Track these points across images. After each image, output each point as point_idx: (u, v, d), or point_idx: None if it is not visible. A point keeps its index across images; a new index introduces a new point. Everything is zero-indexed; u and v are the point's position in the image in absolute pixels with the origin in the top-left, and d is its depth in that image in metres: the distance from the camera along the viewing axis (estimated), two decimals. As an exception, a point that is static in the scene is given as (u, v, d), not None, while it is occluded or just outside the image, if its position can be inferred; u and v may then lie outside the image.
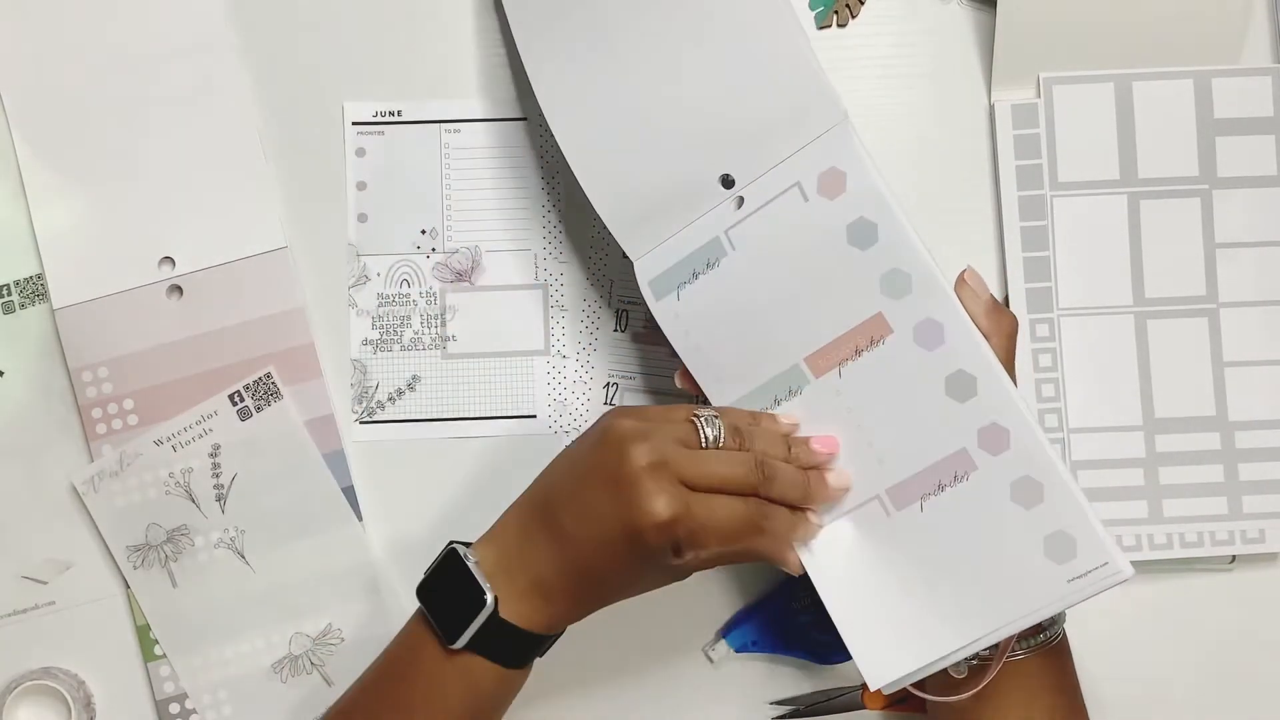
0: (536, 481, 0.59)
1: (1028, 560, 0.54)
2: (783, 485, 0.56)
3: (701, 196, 0.59)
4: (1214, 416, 0.69)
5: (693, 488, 0.54)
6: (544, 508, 0.57)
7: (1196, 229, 0.69)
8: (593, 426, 0.57)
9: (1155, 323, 0.69)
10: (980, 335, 0.55)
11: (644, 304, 0.71)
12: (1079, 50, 0.69)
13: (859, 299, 0.57)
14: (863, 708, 0.70)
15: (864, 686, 0.69)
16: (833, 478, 0.58)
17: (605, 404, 0.71)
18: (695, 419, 0.56)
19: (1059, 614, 0.59)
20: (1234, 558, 0.70)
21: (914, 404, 0.56)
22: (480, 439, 0.71)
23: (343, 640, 0.70)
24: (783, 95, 0.57)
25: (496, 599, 0.55)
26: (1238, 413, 0.69)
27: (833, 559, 0.59)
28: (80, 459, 0.70)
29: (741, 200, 0.58)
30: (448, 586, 0.56)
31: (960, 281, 0.57)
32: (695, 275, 0.60)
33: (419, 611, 0.58)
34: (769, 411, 0.59)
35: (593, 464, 0.55)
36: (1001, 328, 0.57)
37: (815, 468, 0.57)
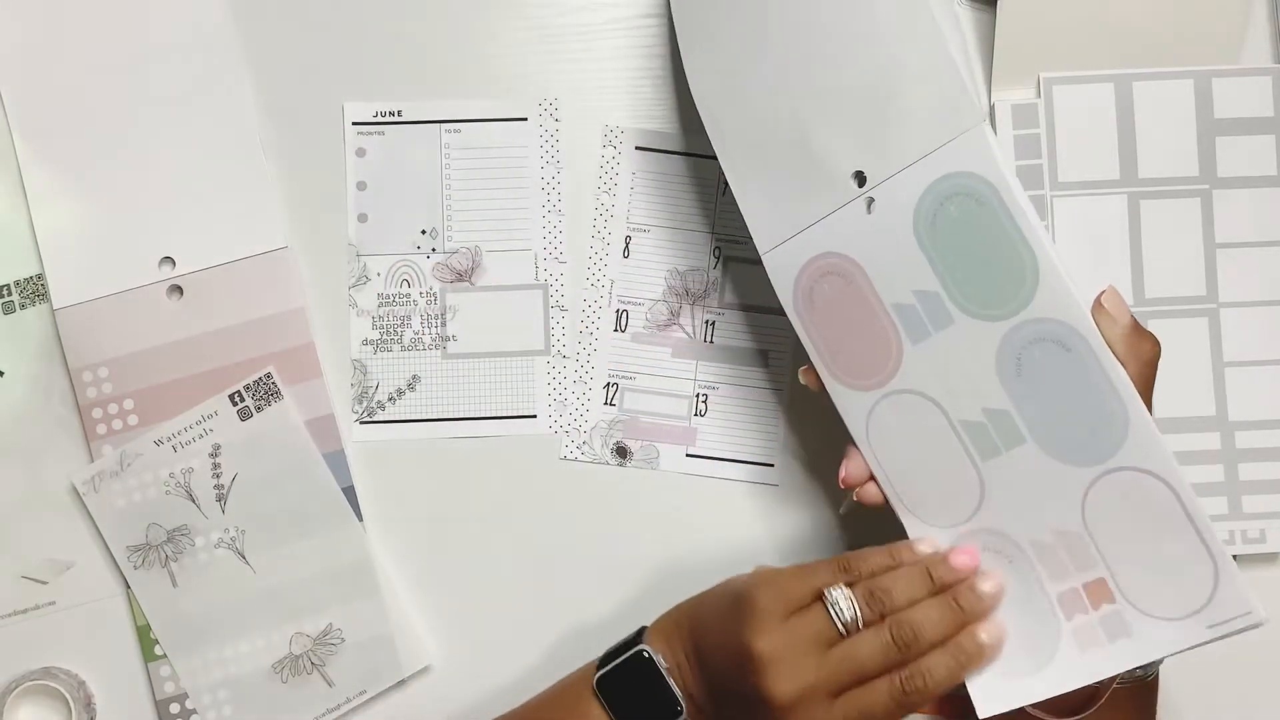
0: (698, 616, 0.59)
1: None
2: (930, 635, 0.54)
3: (834, 191, 0.58)
4: (1214, 416, 0.69)
5: (837, 693, 0.54)
6: (707, 666, 0.57)
7: (1196, 229, 0.69)
8: (741, 598, 0.56)
9: (1155, 322, 0.69)
10: (1117, 362, 0.52)
11: (644, 304, 0.71)
12: (1079, 50, 0.69)
13: None
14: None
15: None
16: (987, 584, 0.55)
17: (605, 404, 0.71)
18: (828, 606, 0.55)
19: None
20: (1234, 558, 0.70)
21: None
22: (480, 439, 0.71)
23: (343, 640, 0.70)
24: (920, 92, 0.55)
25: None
26: (1238, 413, 0.69)
27: None
28: (80, 459, 0.70)
29: (871, 201, 0.57)
30: (636, 685, 0.57)
31: (1097, 304, 0.54)
32: (823, 275, 0.59)
33: (591, 688, 0.58)
34: (905, 544, 0.57)
35: (742, 680, 0.54)
36: (1140, 353, 0.54)
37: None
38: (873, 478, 0.60)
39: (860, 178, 0.58)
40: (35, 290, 0.70)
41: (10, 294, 0.71)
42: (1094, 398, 0.53)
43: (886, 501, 0.60)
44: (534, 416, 0.71)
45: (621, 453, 0.71)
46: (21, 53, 0.70)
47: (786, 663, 0.53)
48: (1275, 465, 0.69)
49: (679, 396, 0.71)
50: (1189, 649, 0.52)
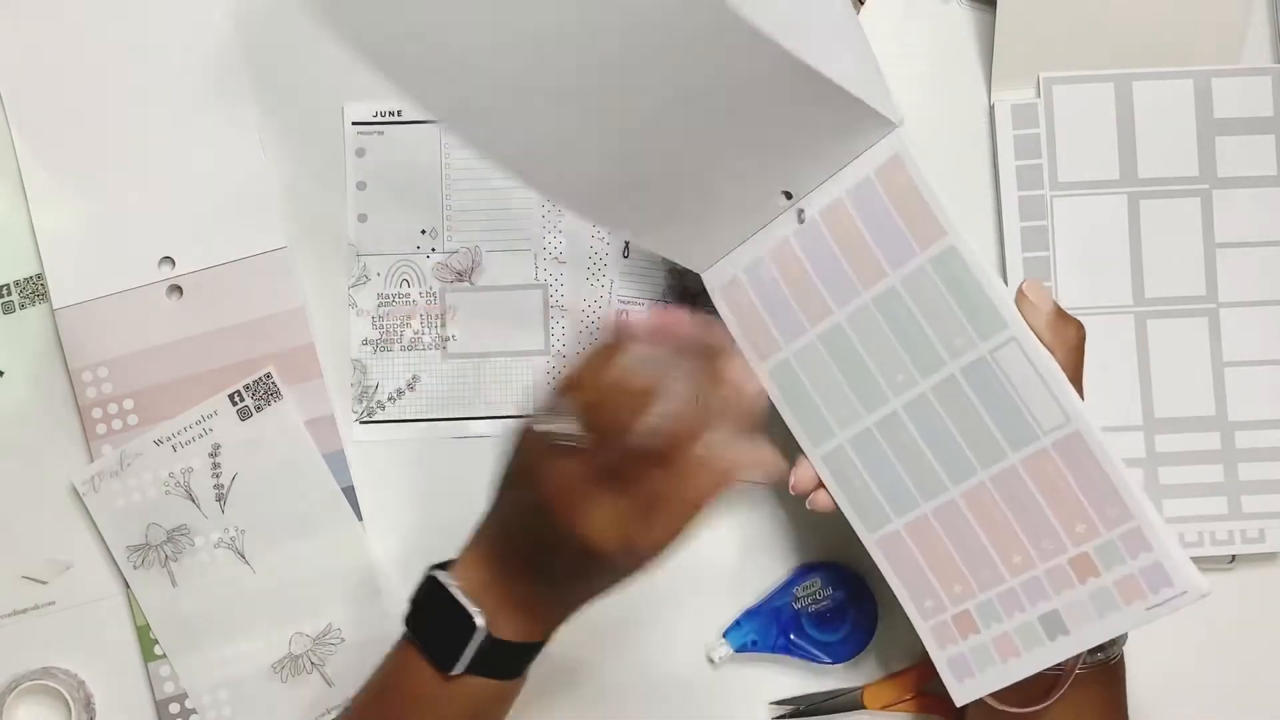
0: (491, 506, 0.57)
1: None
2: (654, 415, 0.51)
3: (763, 209, 0.58)
4: (1214, 416, 0.69)
5: (602, 482, 0.52)
6: (504, 539, 0.56)
7: (1196, 229, 0.69)
8: (507, 458, 0.56)
9: (1155, 323, 0.69)
10: (1045, 350, 0.54)
11: (644, 304, 0.71)
12: (1079, 50, 0.69)
13: None
14: (863, 708, 0.70)
15: (864, 687, 0.70)
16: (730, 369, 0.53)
17: (605, 404, 0.71)
18: (549, 429, 0.52)
19: (1120, 636, 0.59)
20: (1234, 557, 0.70)
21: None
22: (480, 439, 0.71)
23: (343, 640, 0.70)
24: (835, 103, 0.55)
25: (488, 621, 0.54)
26: (1238, 413, 0.69)
27: (916, 577, 0.59)
28: (80, 459, 0.70)
29: (801, 212, 0.58)
30: (435, 613, 0.55)
31: (1020, 294, 0.55)
32: (761, 282, 0.60)
33: (407, 637, 0.57)
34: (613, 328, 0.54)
35: (524, 505, 0.54)
36: (1066, 339, 0.55)
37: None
38: (821, 484, 0.61)
39: (787, 194, 0.58)
40: (35, 290, 0.70)
41: (10, 294, 0.71)
42: (1021, 385, 0.54)
43: (837, 507, 0.61)
44: (534, 416, 0.71)
45: (621, 453, 0.71)
46: (21, 53, 0.70)
47: (541, 471, 0.52)
48: (1275, 465, 0.69)
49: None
50: (1128, 629, 0.55)
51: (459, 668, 0.54)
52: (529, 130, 0.55)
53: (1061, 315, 0.55)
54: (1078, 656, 0.57)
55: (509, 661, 0.56)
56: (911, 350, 0.57)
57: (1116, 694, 0.61)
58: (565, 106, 0.53)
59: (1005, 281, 0.70)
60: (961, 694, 0.58)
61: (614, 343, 0.53)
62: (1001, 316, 0.54)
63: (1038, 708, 0.58)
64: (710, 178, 0.57)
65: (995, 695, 0.58)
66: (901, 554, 0.59)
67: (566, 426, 0.52)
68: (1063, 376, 0.54)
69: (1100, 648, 0.58)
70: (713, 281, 0.61)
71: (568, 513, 0.52)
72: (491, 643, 0.54)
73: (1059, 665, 0.57)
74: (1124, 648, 0.60)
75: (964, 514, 0.57)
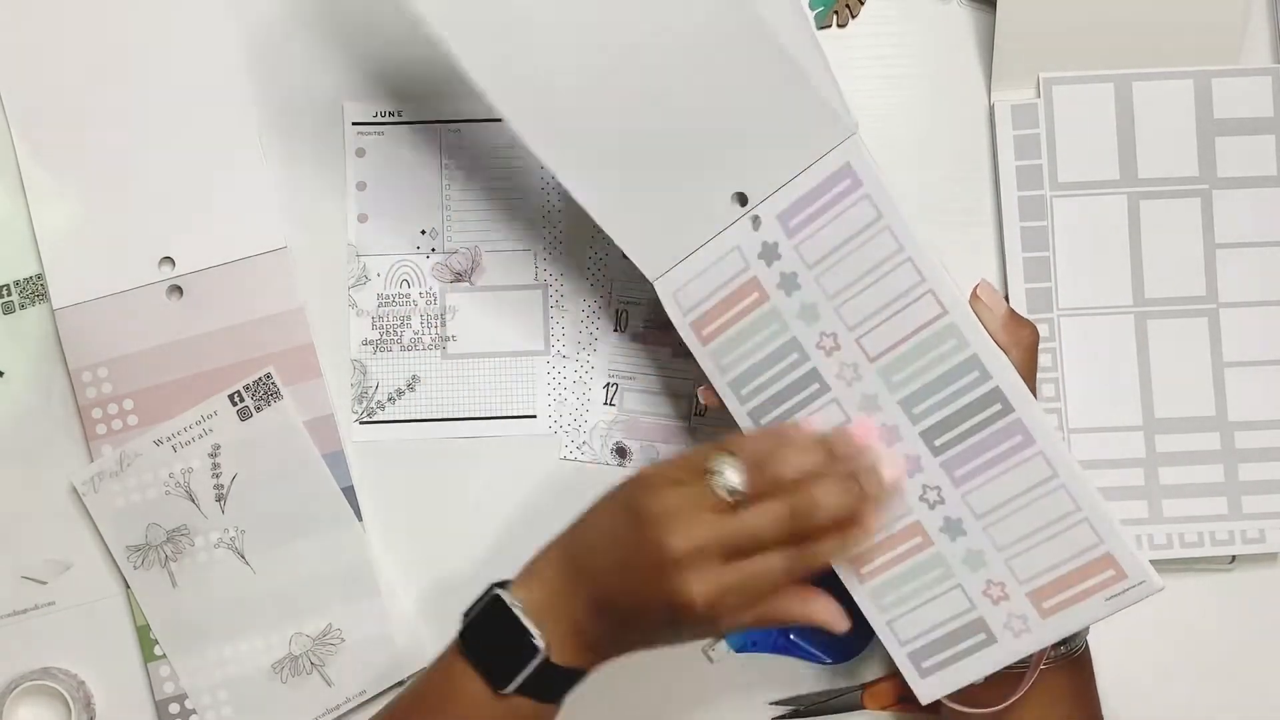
0: (574, 531, 0.57)
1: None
2: (828, 508, 0.52)
3: (716, 214, 0.59)
4: (1214, 416, 0.69)
5: (730, 557, 0.52)
6: (585, 569, 0.56)
7: (1196, 229, 0.69)
8: (621, 489, 0.56)
9: (1155, 323, 0.69)
10: (999, 350, 0.55)
11: (644, 304, 0.71)
12: (1079, 50, 0.69)
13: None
14: (862, 708, 0.70)
15: (864, 686, 0.70)
16: (889, 470, 0.55)
17: (605, 404, 0.71)
18: (710, 476, 0.53)
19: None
20: (1234, 558, 0.70)
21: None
22: (480, 439, 0.71)
23: (343, 640, 0.70)
24: (793, 108, 0.56)
25: (545, 645, 0.55)
26: (1238, 413, 0.69)
27: (870, 574, 0.59)
28: (80, 459, 0.70)
29: (757, 219, 0.58)
30: (493, 631, 0.56)
31: (974, 296, 0.56)
32: (716, 290, 0.60)
33: (456, 649, 0.57)
34: (790, 422, 0.57)
35: (630, 543, 0.54)
36: (1020, 340, 0.56)
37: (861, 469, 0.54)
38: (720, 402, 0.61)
39: (741, 198, 0.59)
40: (35, 290, 0.70)
41: (10, 294, 0.71)
42: (975, 384, 0.55)
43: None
44: (534, 416, 0.71)
45: (621, 453, 0.71)
46: (21, 53, 0.70)
47: (679, 519, 0.52)
48: (1275, 465, 0.69)
49: (679, 396, 0.71)
50: (1090, 624, 0.56)
51: (512, 688, 0.55)
52: (539, 77, 0.59)
53: (1015, 317, 0.57)
54: (1042, 651, 0.57)
55: (557, 685, 0.56)
56: (865, 356, 0.57)
57: (1085, 684, 0.61)
58: (581, 64, 0.57)
59: (1007, 285, 0.70)
60: (926, 692, 0.58)
61: (795, 434, 0.55)
62: (956, 322, 0.55)
63: (1002, 706, 0.58)
64: (676, 164, 0.59)
65: (962, 698, 0.58)
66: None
67: (735, 477, 0.53)
68: (1016, 375, 0.55)
69: (1063, 640, 0.58)
70: (665, 290, 0.61)
71: (678, 567, 0.52)
72: (546, 666, 0.55)
73: (1023, 661, 0.57)
74: (1087, 638, 0.60)
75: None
